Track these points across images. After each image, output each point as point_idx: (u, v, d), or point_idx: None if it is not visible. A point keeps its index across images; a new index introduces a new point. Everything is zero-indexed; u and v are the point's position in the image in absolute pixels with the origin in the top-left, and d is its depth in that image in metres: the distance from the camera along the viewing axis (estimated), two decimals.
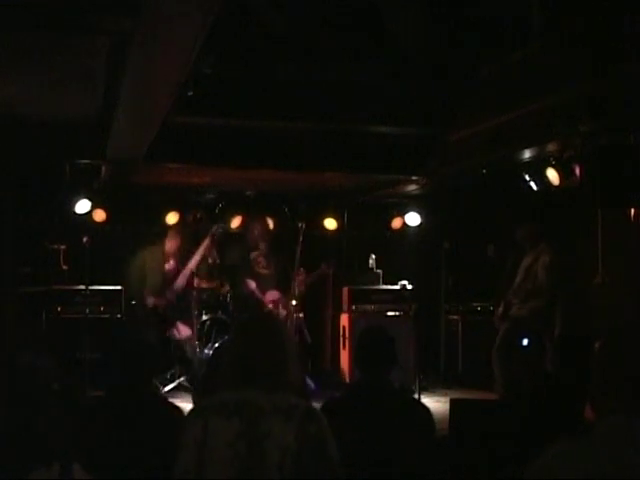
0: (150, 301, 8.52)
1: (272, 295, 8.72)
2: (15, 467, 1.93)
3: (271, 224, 9.35)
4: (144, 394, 3.70)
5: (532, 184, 7.51)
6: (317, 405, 3.25)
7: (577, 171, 6.76)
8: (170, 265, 8.70)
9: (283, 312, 8.56)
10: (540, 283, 7.61)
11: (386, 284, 9.85)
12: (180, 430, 2.82)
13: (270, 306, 8.67)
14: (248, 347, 2.90)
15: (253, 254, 8.83)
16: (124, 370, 3.64)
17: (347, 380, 9.34)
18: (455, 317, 9.79)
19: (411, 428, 3.65)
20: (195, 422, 2.78)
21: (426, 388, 8.70)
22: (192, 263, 8.54)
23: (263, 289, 8.73)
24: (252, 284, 8.73)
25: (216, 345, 8.18)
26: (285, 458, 2.69)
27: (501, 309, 7.80)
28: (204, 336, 8.52)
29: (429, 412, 3.77)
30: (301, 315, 8.87)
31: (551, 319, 7.72)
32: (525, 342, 7.47)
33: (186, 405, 5.41)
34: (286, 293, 8.60)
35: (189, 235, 8.99)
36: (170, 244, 8.76)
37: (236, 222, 9.83)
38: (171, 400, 4.11)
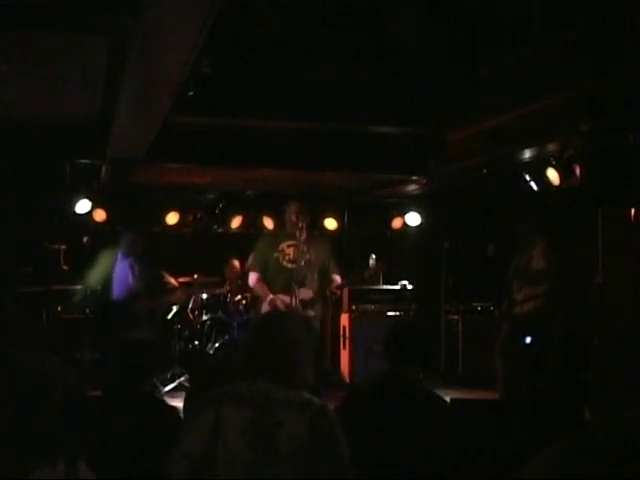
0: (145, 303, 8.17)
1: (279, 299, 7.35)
2: (18, 467, 1.93)
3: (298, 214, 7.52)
4: (139, 393, 3.70)
5: (532, 184, 7.50)
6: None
7: (577, 171, 6.76)
8: None
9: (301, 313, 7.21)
10: (538, 270, 7.59)
11: (386, 284, 9.85)
12: (191, 415, 2.81)
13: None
14: (263, 345, 2.92)
15: (283, 244, 7.46)
16: (120, 369, 3.65)
17: (347, 380, 9.34)
18: (455, 317, 9.79)
19: (430, 423, 3.66)
20: (208, 409, 2.79)
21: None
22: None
23: (281, 288, 7.34)
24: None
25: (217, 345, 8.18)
26: (296, 449, 2.70)
27: (505, 304, 7.75)
28: (204, 336, 8.51)
29: (448, 408, 3.77)
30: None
31: (552, 314, 7.69)
32: (528, 340, 7.46)
33: None
34: (314, 294, 7.49)
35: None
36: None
37: (236, 222, 9.84)
38: (172, 400, 4.12)
